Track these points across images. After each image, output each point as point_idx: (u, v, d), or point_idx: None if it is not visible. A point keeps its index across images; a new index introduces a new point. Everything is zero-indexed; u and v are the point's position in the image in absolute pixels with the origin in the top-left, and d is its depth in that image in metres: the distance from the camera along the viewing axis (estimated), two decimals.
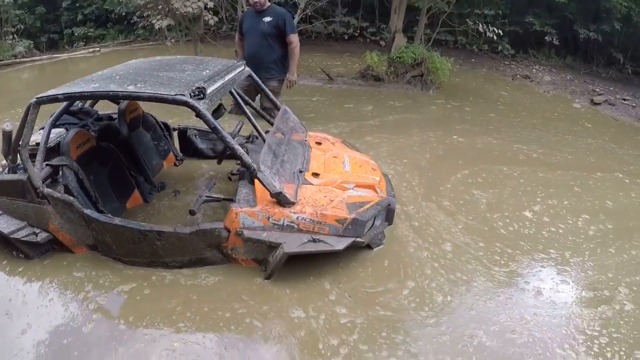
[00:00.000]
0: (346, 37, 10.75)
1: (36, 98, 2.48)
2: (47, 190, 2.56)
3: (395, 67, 7.13)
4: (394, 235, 2.98)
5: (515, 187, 3.84)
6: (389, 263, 2.74)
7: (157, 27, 6.55)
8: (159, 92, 2.36)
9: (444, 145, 4.77)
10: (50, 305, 2.39)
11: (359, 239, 2.60)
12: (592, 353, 2.19)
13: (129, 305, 2.38)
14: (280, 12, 4.61)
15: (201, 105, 2.33)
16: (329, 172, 2.91)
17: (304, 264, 2.59)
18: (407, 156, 4.35)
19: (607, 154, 5.04)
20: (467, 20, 8.36)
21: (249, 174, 2.64)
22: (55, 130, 2.96)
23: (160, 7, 6.45)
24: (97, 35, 11.49)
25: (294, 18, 5.85)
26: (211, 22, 6.80)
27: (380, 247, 2.84)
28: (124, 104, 3.39)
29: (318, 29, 10.56)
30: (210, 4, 6.44)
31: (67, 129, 3.04)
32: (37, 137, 2.81)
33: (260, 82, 3.53)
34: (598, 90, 8.43)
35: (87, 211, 2.53)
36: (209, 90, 2.43)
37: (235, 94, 3.44)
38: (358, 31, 10.74)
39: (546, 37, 9.46)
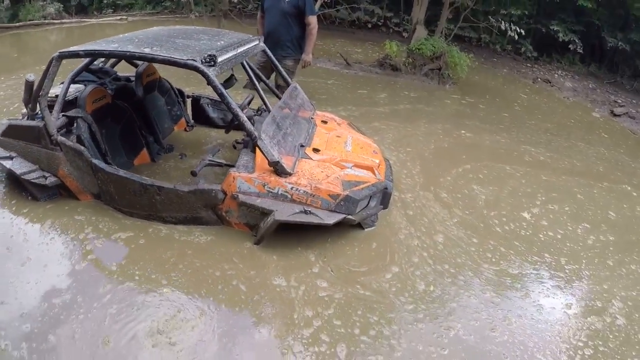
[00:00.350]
0: (369, 26, 10.69)
1: (59, 52, 2.66)
2: (60, 138, 2.72)
3: (413, 59, 7.11)
4: (387, 220, 3.01)
5: (515, 187, 3.81)
6: (376, 246, 2.76)
7: None
8: (172, 56, 2.48)
9: (450, 138, 4.77)
10: (51, 243, 2.55)
11: (350, 217, 2.66)
12: None
13: (124, 250, 2.53)
14: None
15: (211, 72, 2.44)
16: (329, 149, 2.97)
17: (294, 236, 2.67)
18: (411, 145, 4.37)
19: (619, 165, 4.91)
20: (490, 17, 8.25)
21: (251, 144, 2.75)
22: (74, 86, 3.12)
23: None
24: (126, 4, 11.61)
25: (315, 1, 5.88)
26: None
27: (372, 228, 2.88)
28: (142, 67, 3.52)
29: (342, 15, 10.53)
30: None
31: (85, 85, 3.18)
32: (57, 90, 2.97)
33: (274, 59, 3.62)
34: (620, 101, 8.24)
35: (95, 161, 2.68)
36: (220, 59, 2.55)
37: (249, 69, 3.53)
38: (382, 21, 10.68)
39: (570, 46, 9.29)
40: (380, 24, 10.71)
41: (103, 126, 2.99)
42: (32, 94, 2.78)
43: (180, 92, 4.06)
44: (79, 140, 2.77)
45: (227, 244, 2.63)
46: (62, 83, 3.00)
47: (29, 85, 2.77)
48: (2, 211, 2.79)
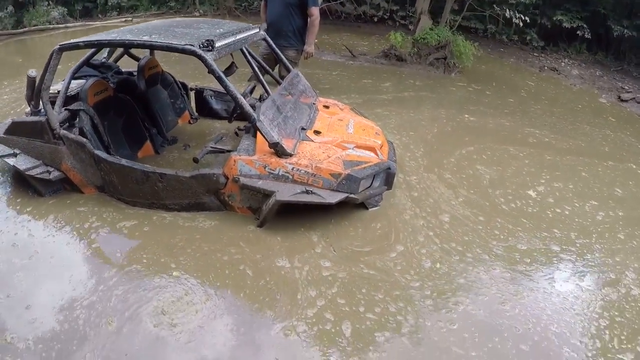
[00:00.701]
0: (375, 20, 10.64)
1: (59, 45, 2.68)
2: (62, 132, 2.75)
3: (418, 48, 7.06)
4: (391, 202, 2.99)
5: (519, 167, 3.79)
6: (381, 226, 2.75)
7: None
8: (170, 42, 2.50)
9: (454, 122, 4.75)
10: (56, 235, 2.58)
11: (352, 196, 2.64)
12: (589, 334, 2.14)
13: (129, 237, 2.56)
14: None
15: (209, 56, 2.45)
16: (331, 132, 2.97)
17: (297, 217, 2.68)
18: (414, 129, 4.35)
19: (625, 146, 4.88)
20: (495, 6, 8.18)
21: (253, 130, 2.76)
22: (76, 82, 3.15)
23: None
24: (130, 6, 11.71)
25: None
26: None
27: (376, 208, 2.87)
28: (144, 60, 3.55)
29: (348, 9, 10.51)
30: None
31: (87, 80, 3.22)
32: (58, 86, 3.00)
33: (276, 48, 3.63)
34: (627, 87, 8.14)
35: (97, 152, 2.70)
36: (217, 44, 2.56)
37: (251, 59, 3.54)
38: (388, 14, 10.63)
39: (578, 32, 9.18)
40: (386, 17, 10.64)
41: (105, 119, 3.01)
42: (35, 90, 2.81)
43: (184, 85, 4.09)
44: (82, 133, 2.79)
45: (232, 228, 2.64)
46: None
47: (31, 81, 2.81)
48: (6, 209, 2.82)
